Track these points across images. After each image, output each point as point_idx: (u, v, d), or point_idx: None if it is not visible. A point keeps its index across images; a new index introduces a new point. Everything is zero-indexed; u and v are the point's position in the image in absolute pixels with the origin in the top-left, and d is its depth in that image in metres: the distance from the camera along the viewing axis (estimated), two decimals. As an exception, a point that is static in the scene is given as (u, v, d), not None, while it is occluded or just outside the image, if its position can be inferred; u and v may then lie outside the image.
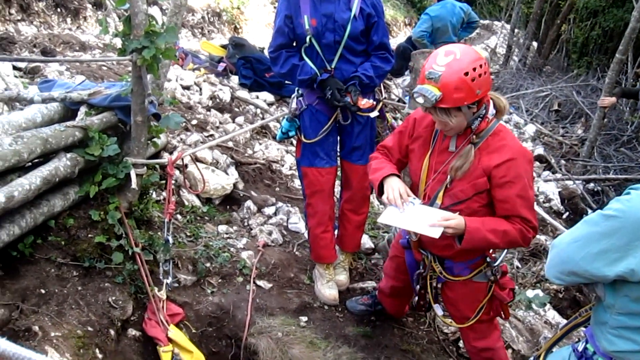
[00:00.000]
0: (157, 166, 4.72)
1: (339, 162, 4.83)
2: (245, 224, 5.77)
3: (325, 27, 4.28)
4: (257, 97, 8.70)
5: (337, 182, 4.99)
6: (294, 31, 4.37)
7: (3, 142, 3.57)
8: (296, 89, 4.67)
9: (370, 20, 4.35)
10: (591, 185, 9.70)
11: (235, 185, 6.07)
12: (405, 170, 3.85)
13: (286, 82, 8.42)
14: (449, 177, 3.36)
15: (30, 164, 3.85)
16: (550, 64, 18.98)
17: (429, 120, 3.48)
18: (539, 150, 10.93)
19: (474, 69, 3.03)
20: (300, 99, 4.57)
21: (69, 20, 9.96)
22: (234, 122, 7.57)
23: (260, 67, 8.93)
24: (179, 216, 5.35)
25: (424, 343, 4.74)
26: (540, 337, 5.02)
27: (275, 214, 5.98)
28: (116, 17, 8.19)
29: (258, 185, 6.47)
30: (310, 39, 4.31)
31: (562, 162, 10.76)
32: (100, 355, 3.89)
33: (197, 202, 5.72)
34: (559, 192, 8.78)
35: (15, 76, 6.42)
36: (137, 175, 4.20)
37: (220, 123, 7.33)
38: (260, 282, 4.92)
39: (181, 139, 6.35)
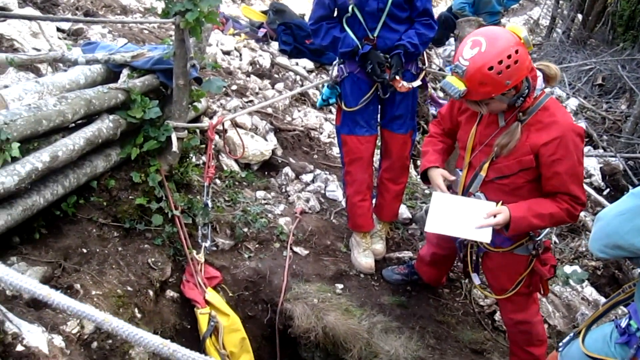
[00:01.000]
0: (197, 130, 4.74)
1: (378, 130, 4.78)
2: (283, 190, 5.78)
3: None
4: (297, 64, 8.64)
5: (376, 151, 4.94)
6: (335, 1, 4.31)
7: (48, 103, 3.61)
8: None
9: None
10: (631, 163, 9.48)
11: (273, 151, 6.07)
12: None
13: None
14: (494, 151, 3.30)
15: (73, 125, 3.89)
16: (594, 37, 18.46)
17: None
18: (581, 124, 10.69)
19: (500, 62, 2.93)
20: (342, 66, 4.50)
21: (111, -17, 9.99)
22: (273, 88, 7.55)
23: (300, 33, 8.86)
24: (217, 181, 5.38)
25: (459, 315, 4.73)
26: (577, 314, 4.96)
27: (313, 181, 5.98)
28: (158, -20, 8.17)
29: (296, 152, 6.46)
30: (352, 8, 4.23)
31: (605, 137, 10.52)
32: (139, 315, 3.96)
33: (236, 167, 5.74)
34: (601, 168, 8.59)
35: (59, 38, 6.46)
36: (178, 138, 4.22)
37: (259, 89, 7.32)
38: (296, 249, 4.94)
39: (221, 104, 6.36)
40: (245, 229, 4.90)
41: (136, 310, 3.88)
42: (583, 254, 5.96)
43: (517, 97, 3.12)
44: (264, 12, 9.91)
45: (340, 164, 6.09)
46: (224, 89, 6.11)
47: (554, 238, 6.18)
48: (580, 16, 19.48)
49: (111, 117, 3.99)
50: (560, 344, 3.03)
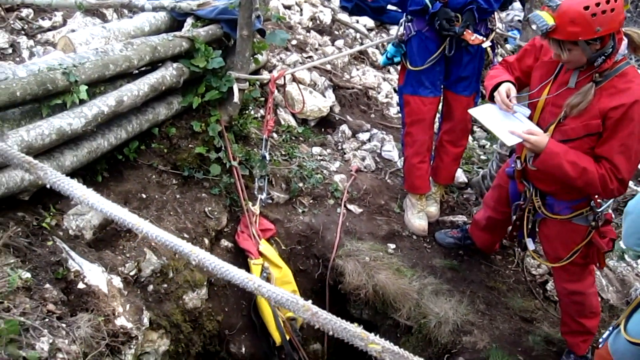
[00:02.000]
0: (257, 83, 4.73)
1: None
2: (339, 147, 5.76)
3: None
4: (357, 22, 8.51)
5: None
6: None
7: (114, 48, 3.65)
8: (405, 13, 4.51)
9: None
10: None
11: (331, 108, 6.04)
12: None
13: (388, 8, 8.19)
14: (563, 112, 3.21)
15: (137, 71, 3.92)
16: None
17: None
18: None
19: (598, 4, 2.81)
20: (410, 24, 4.39)
21: None
22: (333, 45, 7.47)
23: (362, -10, 8.70)
24: (275, 135, 5.39)
25: (511, 282, 4.68)
26: (631, 289, 4.86)
27: (369, 140, 5.94)
28: None
29: (354, 110, 6.41)
30: None
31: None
32: (193, 262, 4.02)
33: (293, 122, 5.74)
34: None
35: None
36: (239, 89, 4.23)
37: (319, 45, 7.25)
38: (350, 206, 4.94)
39: (280, 59, 6.33)
40: (301, 184, 4.92)
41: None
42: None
43: (598, 54, 3.00)
44: (327, -33, 9.76)
45: (397, 124, 6.04)
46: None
47: (610, 212, 6.03)
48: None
49: (175, 65, 4.02)
50: (600, 340, 3.00)
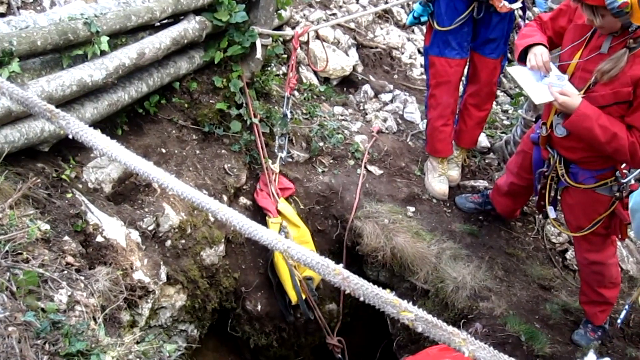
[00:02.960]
0: (280, 39, 4.65)
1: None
2: (361, 107, 5.69)
3: None
4: (383, -21, 8.36)
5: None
6: None
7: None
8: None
9: None
10: None
11: (354, 67, 5.94)
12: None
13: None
14: (593, 78, 3.12)
15: (159, 24, 3.86)
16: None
17: None
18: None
19: None
20: None
21: None
22: (357, 2, 7.33)
23: (388, -53, 8.52)
24: (296, 93, 5.32)
25: (530, 249, 4.64)
26: (651, 260, 4.82)
27: (391, 101, 5.85)
28: None
29: (377, 70, 6.31)
30: None
31: None
32: (212, 219, 4.02)
33: (315, 81, 5.66)
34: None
35: None
36: (262, 45, 4.16)
37: (343, 2, 7.12)
38: (371, 168, 4.89)
39: (304, 15, 6.23)
40: (321, 144, 4.87)
41: (210, 214, 3.94)
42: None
43: None
44: None
45: (421, 86, 5.94)
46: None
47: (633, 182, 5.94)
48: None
49: (197, 18, 3.95)
50: (619, 320, 2.97)
